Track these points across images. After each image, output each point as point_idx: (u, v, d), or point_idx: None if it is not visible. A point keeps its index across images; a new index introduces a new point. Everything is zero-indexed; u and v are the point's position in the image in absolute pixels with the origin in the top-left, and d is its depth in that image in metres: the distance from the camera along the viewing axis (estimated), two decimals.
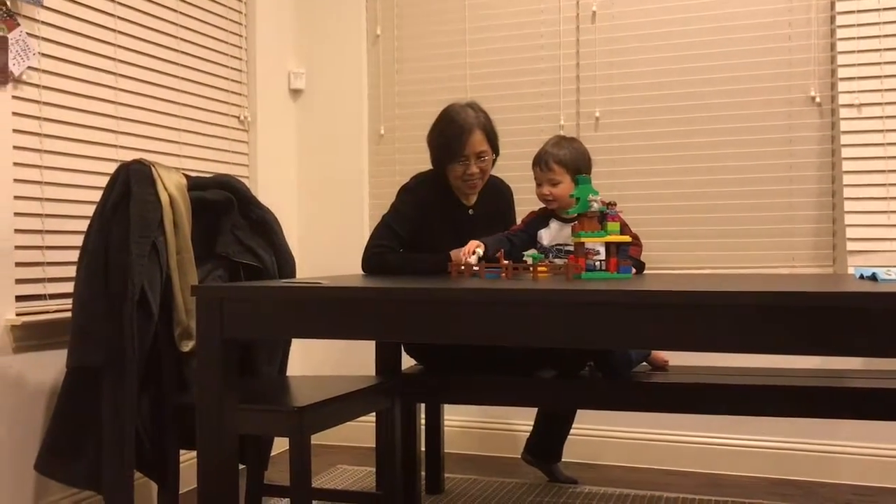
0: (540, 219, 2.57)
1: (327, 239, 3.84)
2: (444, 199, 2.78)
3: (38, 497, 2.52)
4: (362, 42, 3.83)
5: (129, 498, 2.26)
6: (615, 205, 2.17)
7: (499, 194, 2.92)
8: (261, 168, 3.64)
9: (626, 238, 2.17)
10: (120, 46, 2.90)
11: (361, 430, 3.47)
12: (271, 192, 3.58)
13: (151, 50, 3.05)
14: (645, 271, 2.62)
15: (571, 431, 3.12)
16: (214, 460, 1.91)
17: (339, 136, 3.85)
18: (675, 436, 3.34)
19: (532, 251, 2.51)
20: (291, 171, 3.88)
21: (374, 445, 3.48)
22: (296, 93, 3.89)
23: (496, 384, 2.61)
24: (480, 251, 2.36)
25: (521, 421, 3.50)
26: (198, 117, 3.30)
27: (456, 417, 3.58)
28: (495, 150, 2.75)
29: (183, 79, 3.21)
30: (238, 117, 3.56)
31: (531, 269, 2.18)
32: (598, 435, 3.43)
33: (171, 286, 2.37)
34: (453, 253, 2.60)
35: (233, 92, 3.53)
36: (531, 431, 3.11)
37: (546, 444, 3.08)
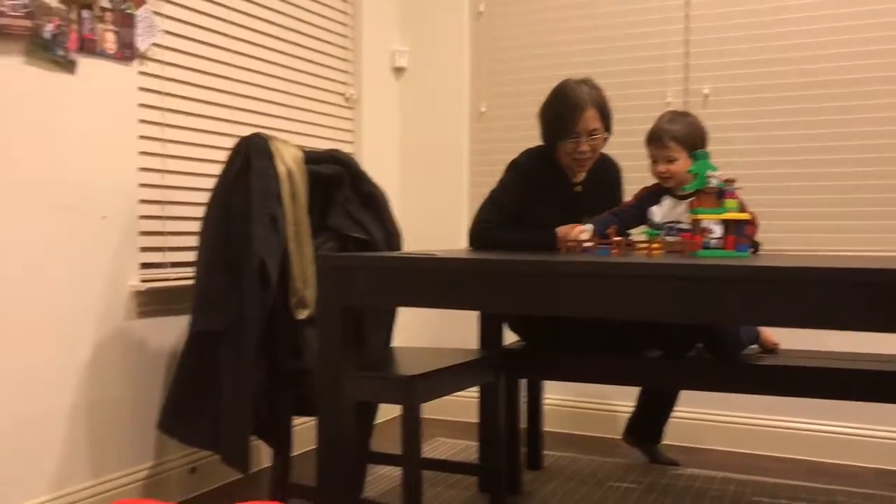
0: (652, 195, 2.53)
1: (427, 215, 3.87)
2: (553, 175, 2.77)
3: (159, 455, 2.65)
4: (465, 19, 3.83)
5: (245, 459, 2.35)
6: (734, 181, 2.12)
7: (607, 172, 2.89)
8: (365, 145, 3.70)
9: (745, 215, 2.13)
10: (235, 24, 2.98)
11: (455, 405, 3.51)
12: (374, 168, 3.63)
13: (265, 28, 3.13)
14: (759, 251, 2.56)
15: (672, 414, 3.08)
16: (333, 424, 1.96)
17: (441, 114, 3.88)
18: (780, 421, 3.27)
19: (646, 228, 2.48)
20: (394, 149, 3.93)
21: (467, 420, 3.53)
22: (399, 71, 3.94)
23: (601, 362, 2.60)
24: (587, 235, 2.34)
25: (619, 401, 3.49)
26: (307, 94, 3.37)
27: (552, 396, 3.58)
28: (608, 128, 2.72)
29: (294, 56, 3.29)
30: (344, 95, 3.62)
31: (646, 245, 2.16)
32: (700, 418, 3.38)
33: (288, 256, 2.44)
34: (560, 230, 2.59)
35: (340, 70, 3.59)
36: (633, 412, 3.09)
37: (648, 425, 3.06)
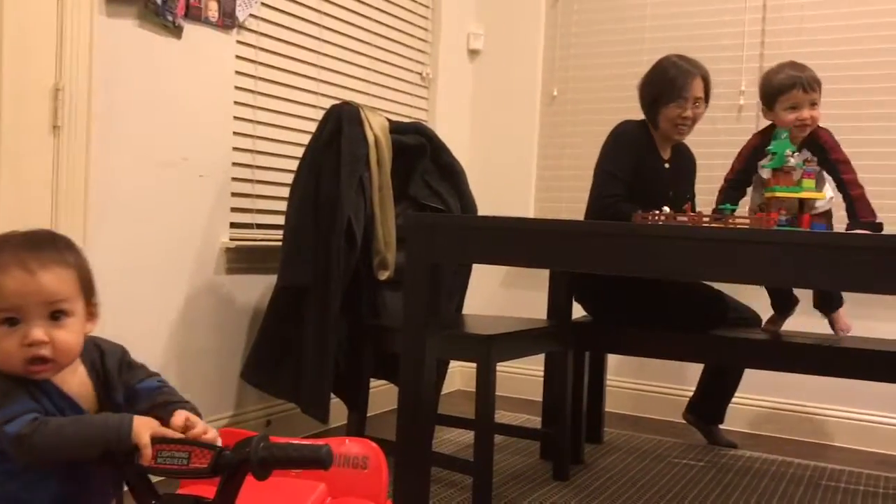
0: (758, 151, 2.50)
1: (494, 196, 3.94)
2: (648, 148, 2.84)
3: (239, 405, 2.79)
4: (541, 4, 3.90)
5: (325, 412, 2.47)
6: (813, 161, 2.17)
7: (689, 157, 3.02)
8: (438, 123, 3.80)
9: (821, 195, 2.17)
10: (325, 0, 3.10)
11: (511, 381, 3.59)
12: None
13: (351, 5, 3.24)
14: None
15: (733, 400, 3.12)
16: (414, 378, 2.06)
17: (513, 97, 3.96)
18: (843, 412, 3.27)
19: (726, 204, 2.51)
20: (465, 129, 4.02)
21: (523, 396, 3.61)
22: (473, 53, 4.03)
23: (667, 337, 2.67)
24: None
25: (679, 385, 3.52)
26: (386, 72, 3.49)
27: (612, 377, 3.63)
28: (707, 102, 2.82)
29: (376, 34, 3.40)
30: (421, 74, 3.73)
31: (727, 220, 2.19)
32: (761, 405, 3.40)
33: (373, 219, 2.55)
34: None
35: (418, 50, 3.70)
36: (695, 390, 3.14)
37: (709, 404, 3.11)
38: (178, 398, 1.20)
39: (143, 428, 1.06)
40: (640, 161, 2.80)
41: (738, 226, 2.12)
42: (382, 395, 3.05)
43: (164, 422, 1.12)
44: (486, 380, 2.20)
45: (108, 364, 1.19)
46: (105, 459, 1.07)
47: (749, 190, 2.65)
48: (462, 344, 2.28)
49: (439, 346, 2.15)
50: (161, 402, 1.18)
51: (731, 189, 2.61)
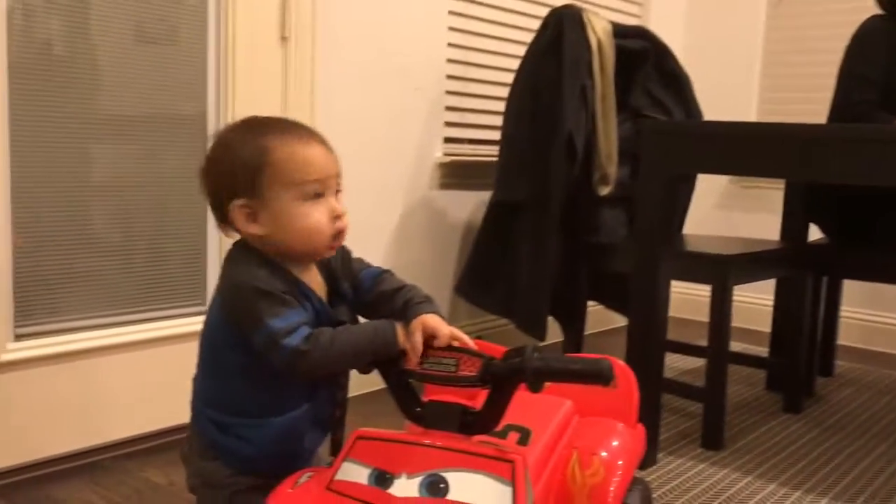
0: None
1: (711, 106, 3.66)
2: None
3: (451, 320, 2.76)
4: None
5: (542, 328, 2.41)
6: None
7: None
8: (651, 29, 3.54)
9: None
10: None
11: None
12: None
13: None
14: None
15: None
16: (647, 299, 1.93)
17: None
18: None
19: None
20: (679, 34, 3.72)
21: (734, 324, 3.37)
22: None
23: None
24: None
25: None
26: None
27: (843, 308, 3.33)
28: None
29: None
30: None
31: None
32: None
33: (595, 131, 2.41)
34: None
35: None
36: None
37: None
38: (399, 283, 1.16)
39: (405, 332, 1.02)
40: (893, 62, 2.45)
41: None
42: (595, 314, 2.95)
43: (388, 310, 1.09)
44: (722, 304, 2.05)
45: (334, 259, 1.15)
46: (371, 365, 1.04)
47: None
48: (697, 265, 2.13)
49: (671, 268, 2.00)
50: (385, 291, 1.14)
51: None
